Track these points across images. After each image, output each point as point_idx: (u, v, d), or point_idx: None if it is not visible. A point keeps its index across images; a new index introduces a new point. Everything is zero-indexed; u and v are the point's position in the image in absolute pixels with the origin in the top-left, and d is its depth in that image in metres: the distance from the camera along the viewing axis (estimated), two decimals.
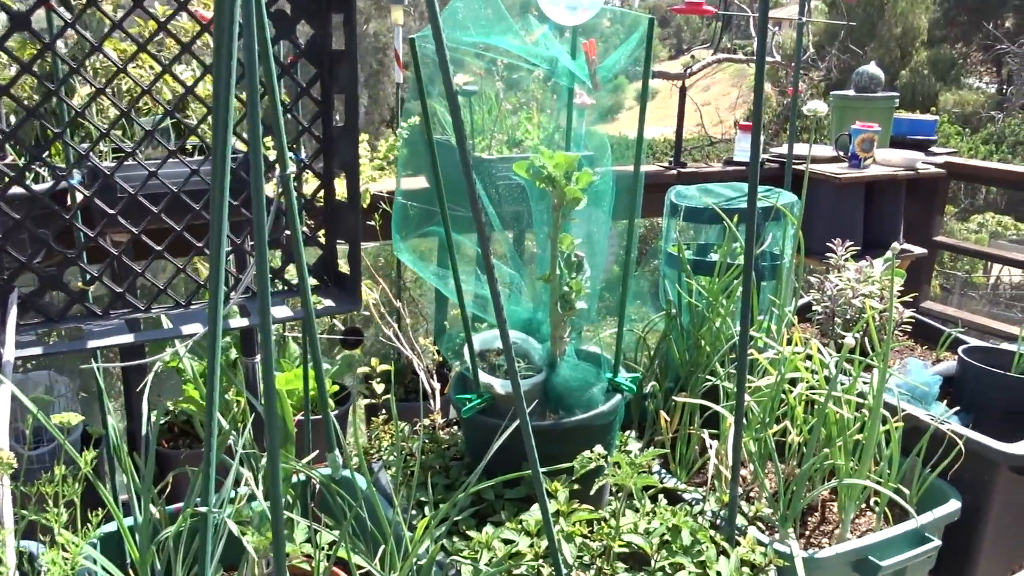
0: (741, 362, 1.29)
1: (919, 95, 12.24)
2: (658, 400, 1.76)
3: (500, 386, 1.44)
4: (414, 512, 1.36)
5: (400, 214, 1.58)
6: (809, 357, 1.63)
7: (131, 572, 1.13)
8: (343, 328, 2.32)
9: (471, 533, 1.29)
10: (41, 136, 1.50)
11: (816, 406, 1.57)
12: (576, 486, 1.34)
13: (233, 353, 1.93)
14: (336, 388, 2.20)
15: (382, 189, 2.07)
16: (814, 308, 2.12)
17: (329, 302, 1.39)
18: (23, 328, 1.18)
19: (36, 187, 1.20)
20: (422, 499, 1.42)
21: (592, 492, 1.33)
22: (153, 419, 2.04)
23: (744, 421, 1.40)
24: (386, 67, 11.18)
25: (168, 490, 1.33)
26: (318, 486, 1.36)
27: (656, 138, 9.39)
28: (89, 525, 1.01)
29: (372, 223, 2.04)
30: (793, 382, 1.62)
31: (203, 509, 0.93)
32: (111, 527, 1.30)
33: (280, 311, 1.33)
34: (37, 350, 1.13)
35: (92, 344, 1.16)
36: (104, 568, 1.09)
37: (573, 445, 1.30)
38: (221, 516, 0.98)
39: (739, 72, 13.37)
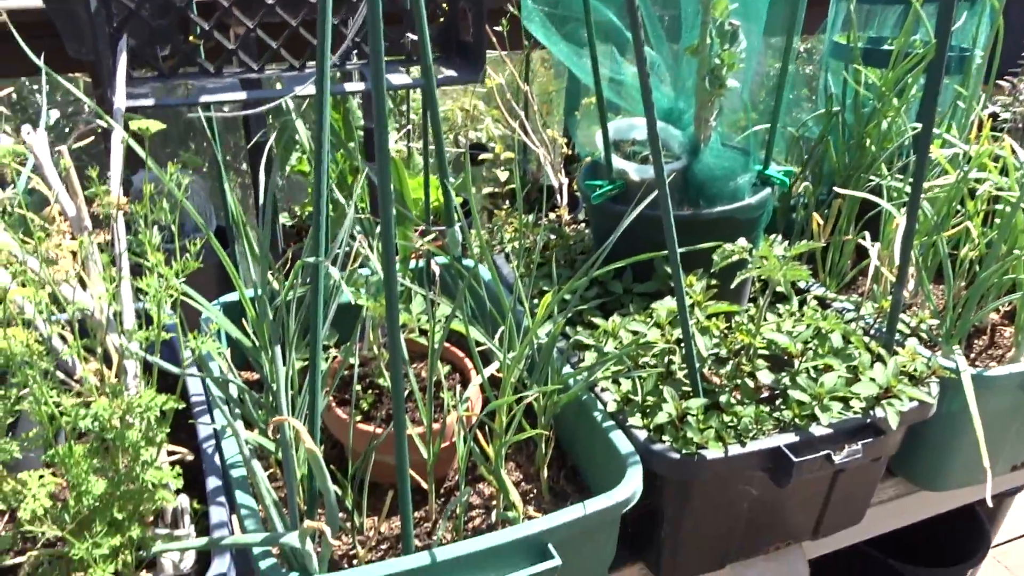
0: (923, 142, 1.09)
1: None
2: (809, 207, 1.59)
3: (635, 172, 1.31)
4: (535, 301, 1.28)
5: None
6: (997, 159, 1.40)
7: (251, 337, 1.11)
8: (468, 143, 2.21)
9: (596, 320, 1.21)
10: None
11: (999, 217, 1.36)
12: (714, 281, 1.22)
13: None
14: (460, 200, 2.12)
15: None
16: (1001, 116, 1.83)
17: (451, 72, 1.28)
18: (135, 81, 1.13)
19: None
20: (544, 288, 1.34)
21: (732, 288, 1.20)
22: (282, 220, 2.04)
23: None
24: None
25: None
26: (437, 271, 1.30)
27: None
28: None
29: None
30: (971, 192, 1.41)
31: (313, 259, 0.87)
32: (233, 296, 1.30)
33: (397, 78, 1.23)
34: (148, 101, 1.08)
35: (204, 99, 1.11)
36: (225, 329, 1.08)
37: (712, 239, 1.17)
38: (325, 263, 0.93)
39: None
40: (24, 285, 0.76)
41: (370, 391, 1.14)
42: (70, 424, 0.71)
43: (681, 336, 1.07)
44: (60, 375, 0.87)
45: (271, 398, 1.03)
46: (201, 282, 1.24)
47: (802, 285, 1.43)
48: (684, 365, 1.11)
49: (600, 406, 1.10)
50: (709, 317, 1.18)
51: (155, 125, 0.83)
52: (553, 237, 1.52)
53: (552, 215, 1.59)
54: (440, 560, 0.86)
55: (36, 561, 0.79)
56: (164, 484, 0.80)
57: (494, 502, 1.08)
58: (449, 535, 1.04)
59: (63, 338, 0.83)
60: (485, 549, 0.88)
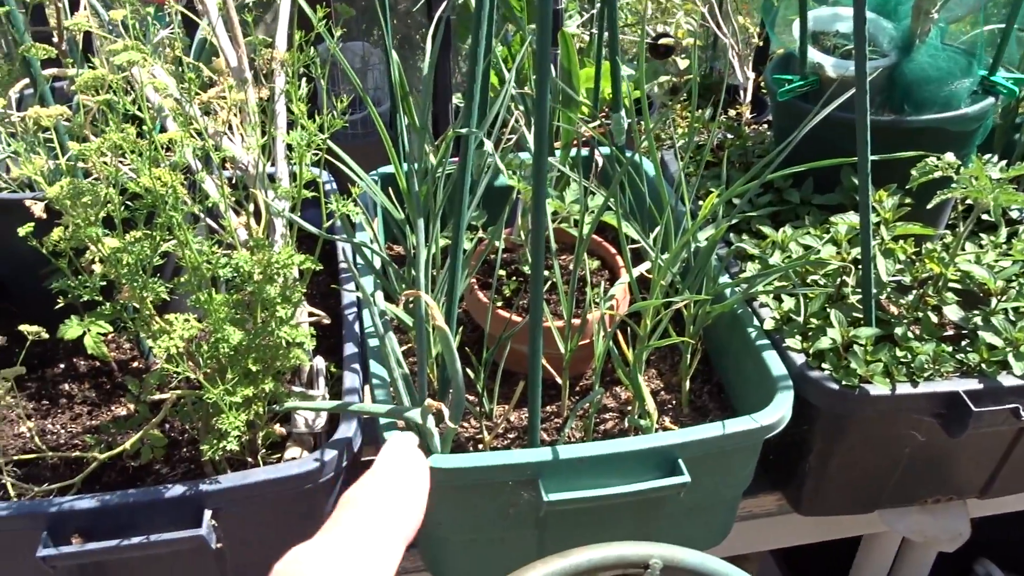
0: None
1: None
2: None
3: (832, 67, 1.16)
4: (699, 203, 1.18)
5: None
6: None
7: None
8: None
9: (765, 230, 1.10)
10: None
11: None
12: (907, 200, 1.07)
13: None
14: (637, 93, 2.00)
15: None
16: None
17: None
18: None
19: None
20: (711, 189, 1.23)
21: (928, 208, 1.06)
22: (455, 101, 2.00)
23: None
24: None
25: None
26: (600, 161, 1.23)
27: None
28: None
29: None
30: None
31: (464, 130, 0.82)
32: (389, 168, 1.28)
33: None
34: None
35: None
36: (377, 199, 1.06)
37: (913, 150, 1.02)
38: (478, 135, 0.88)
39: None
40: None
41: (514, 278, 1.11)
42: (211, 272, 0.71)
43: (860, 256, 0.96)
44: (211, 223, 0.88)
45: (412, 272, 1.01)
46: (374, 159, 1.23)
47: (1015, 214, 1.25)
48: (859, 289, 0.99)
49: (756, 322, 1.01)
50: (896, 239, 1.05)
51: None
52: (730, 137, 1.39)
53: (732, 112, 1.46)
54: (563, 458, 0.83)
55: (178, 400, 0.83)
56: (299, 343, 0.80)
57: (629, 407, 1.04)
58: (578, 434, 1.00)
59: (216, 188, 0.84)
60: (611, 454, 0.84)
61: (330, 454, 0.83)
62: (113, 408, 0.99)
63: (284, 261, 0.73)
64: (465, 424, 1.01)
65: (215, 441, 0.77)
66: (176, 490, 0.80)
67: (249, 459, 0.88)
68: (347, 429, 0.86)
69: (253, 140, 0.86)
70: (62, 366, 1.05)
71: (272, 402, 0.84)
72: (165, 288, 0.75)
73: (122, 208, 0.71)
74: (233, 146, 0.84)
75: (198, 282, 0.73)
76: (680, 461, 0.86)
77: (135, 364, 1.06)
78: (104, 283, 0.98)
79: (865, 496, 1.07)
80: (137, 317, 0.79)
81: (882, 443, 0.99)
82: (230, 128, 0.87)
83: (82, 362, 1.06)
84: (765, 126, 1.50)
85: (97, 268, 0.74)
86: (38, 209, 0.82)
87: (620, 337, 0.99)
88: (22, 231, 0.72)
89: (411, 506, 0.30)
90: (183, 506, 0.80)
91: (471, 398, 1.02)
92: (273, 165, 0.93)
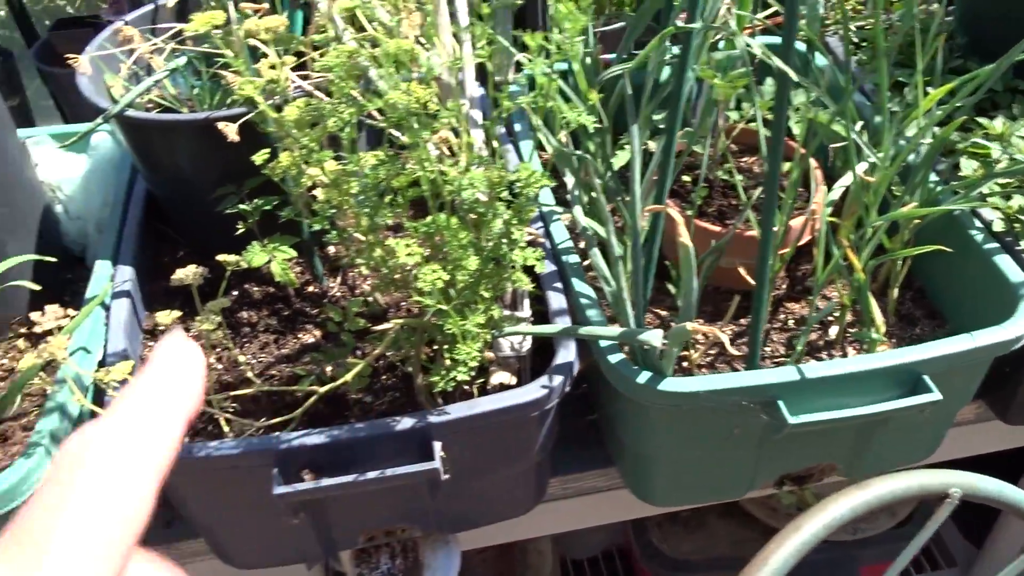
0: None
1: None
2: None
3: None
4: (888, 94, 1.09)
5: None
6: None
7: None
8: None
9: (983, 122, 1.01)
10: None
11: None
12: None
13: None
14: None
15: None
16: None
17: None
18: None
19: None
20: (900, 79, 1.13)
21: None
22: None
23: None
24: None
25: None
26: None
27: None
28: None
29: None
30: None
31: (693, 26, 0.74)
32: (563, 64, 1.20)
33: None
34: None
35: None
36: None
37: None
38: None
39: None
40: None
41: (701, 185, 1.03)
42: (452, 194, 0.66)
43: None
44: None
45: (601, 182, 0.94)
46: None
47: None
48: None
49: (978, 224, 0.93)
50: None
51: None
52: (897, 21, 1.28)
53: None
54: (808, 378, 0.77)
55: (400, 330, 0.78)
56: (524, 266, 0.75)
57: (832, 317, 0.98)
58: (781, 348, 0.95)
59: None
60: (856, 372, 0.79)
61: (556, 380, 0.79)
62: (300, 336, 0.96)
63: (527, 179, 0.66)
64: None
65: (444, 372, 0.73)
66: (405, 423, 0.77)
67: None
68: (567, 354, 0.82)
69: (448, 49, 0.79)
70: (235, 293, 1.02)
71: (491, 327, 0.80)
72: (393, 213, 0.70)
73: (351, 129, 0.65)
74: (434, 57, 0.77)
75: (438, 205, 0.67)
76: (926, 377, 0.80)
77: (310, 289, 1.02)
78: (268, 207, 0.93)
79: None
80: (351, 243, 0.75)
81: None
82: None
83: (255, 288, 1.02)
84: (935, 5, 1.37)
85: (319, 194, 0.69)
86: (231, 132, 0.77)
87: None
88: (258, 158, 0.66)
89: (190, 390, 0.35)
90: (409, 438, 0.77)
91: (664, 313, 0.97)
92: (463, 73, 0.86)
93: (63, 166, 1.13)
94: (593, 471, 1.01)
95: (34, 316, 0.69)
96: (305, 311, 0.99)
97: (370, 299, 0.98)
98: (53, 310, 0.68)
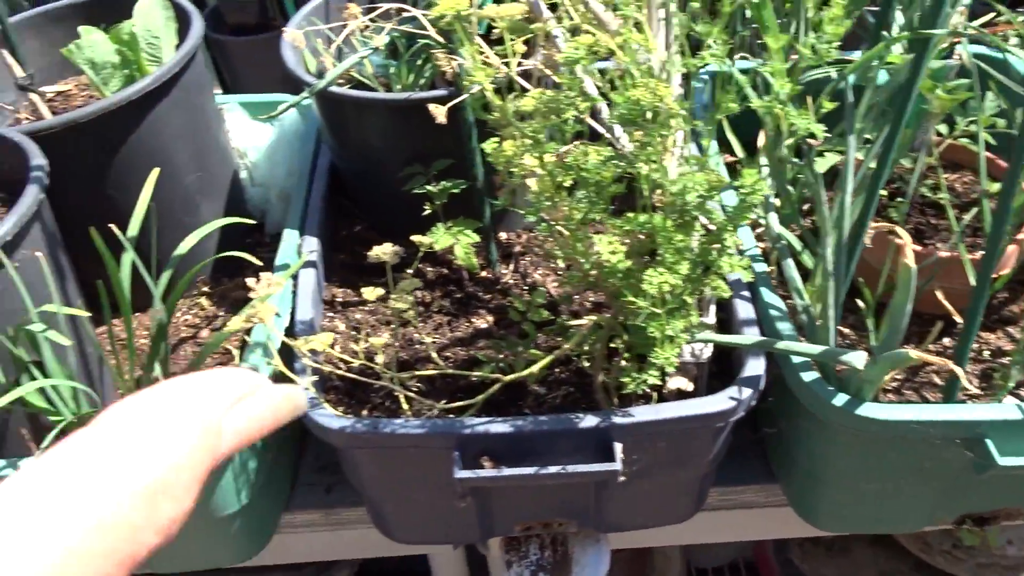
0: None
1: None
2: None
3: None
4: None
5: None
6: None
7: None
8: None
9: None
10: None
11: None
12: None
13: None
14: None
15: None
16: None
17: None
18: None
19: None
20: None
21: None
22: None
23: None
24: None
25: None
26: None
27: None
28: None
29: None
30: None
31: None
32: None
33: None
34: None
35: None
36: None
37: None
38: None
39: None
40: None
41: (906, 200, 0.98)
42: (680, 196, 0.64)
43: None
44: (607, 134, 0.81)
45: (794, 191, 0.91)
46: None
47: None
48: None
49: None
50: None
51: None
52: None
53: None
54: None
55: (592, 327, 0.78)
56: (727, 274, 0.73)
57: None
58: (975, 380, 0.90)
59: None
60: None
61: (745, 392, 0.77)
62: (472, 320, 0.96)
63: (754, 186, 0.64)
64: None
65: (635, 374, 0.72)
66: (588, 421, 0.76)
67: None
68: (757, 366, 0.79)
69: (660, 37, 0.77)
70: (410, 271, 1.03)
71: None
72: (604, 208, 0.68)
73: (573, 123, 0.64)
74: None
75: (641, 205, 0.66)
76: None
77: (483, 274, 1.02)
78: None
79: None
80: (556, 236, 0.74)
81: None
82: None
83: (429, 268, 1.03)
84: None
85: (532, 184, 0.68)
86: (440, 114, 0.77)
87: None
88: (488, 146, 0.66)
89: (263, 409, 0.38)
90: (589, 436, 0.77)
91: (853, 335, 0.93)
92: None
93: (250, 134, 1.17)
94: (754, 485, 0.98)
95: (249, 282, 0.71)
96: (478, 295, 1.00)
97: (542, 288, 0.97)
98: (268, 277, 0.70)
